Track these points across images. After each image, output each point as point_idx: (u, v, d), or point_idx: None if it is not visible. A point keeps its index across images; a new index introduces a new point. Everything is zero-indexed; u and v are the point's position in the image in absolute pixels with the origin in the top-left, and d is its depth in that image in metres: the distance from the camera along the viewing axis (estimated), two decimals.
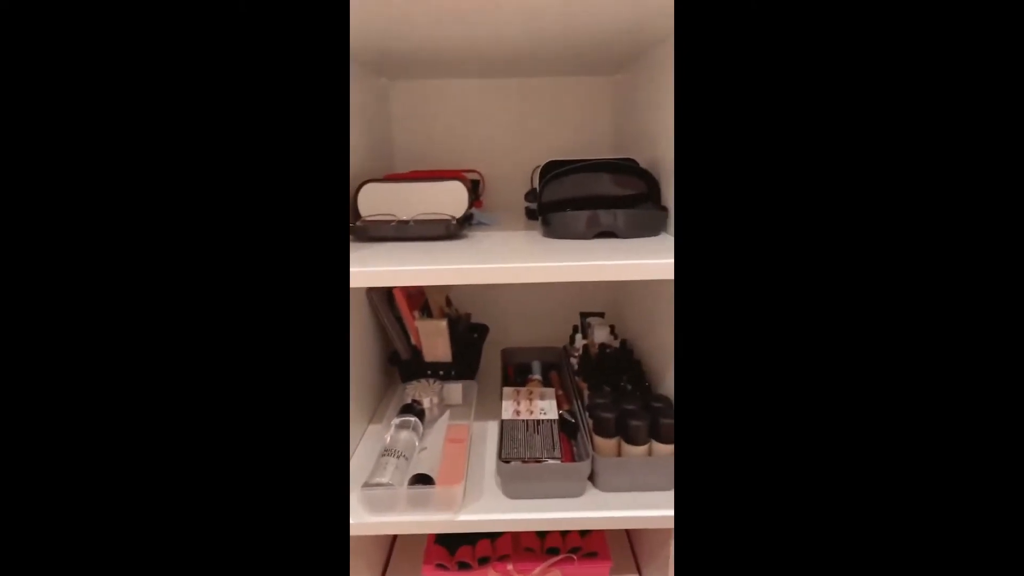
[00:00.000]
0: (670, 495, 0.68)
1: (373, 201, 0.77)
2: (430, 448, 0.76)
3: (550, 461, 0.69)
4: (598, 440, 0.71)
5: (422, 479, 0.67)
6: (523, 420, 0.78)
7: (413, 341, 0.97)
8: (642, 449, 0.69)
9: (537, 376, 0.98)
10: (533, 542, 0.88)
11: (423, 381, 0.92)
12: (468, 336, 1.06)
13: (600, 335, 0.99)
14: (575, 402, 0.84)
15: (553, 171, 0.79)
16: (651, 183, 0.78)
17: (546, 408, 0.80)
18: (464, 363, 0.98)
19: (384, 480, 0.66)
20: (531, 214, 0.94)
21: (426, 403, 0.86)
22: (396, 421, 0.78)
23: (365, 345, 0.90)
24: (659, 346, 0.86)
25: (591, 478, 0.70)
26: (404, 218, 0.75)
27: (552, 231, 0.75)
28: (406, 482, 0.68)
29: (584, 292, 1.21)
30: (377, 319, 0.96)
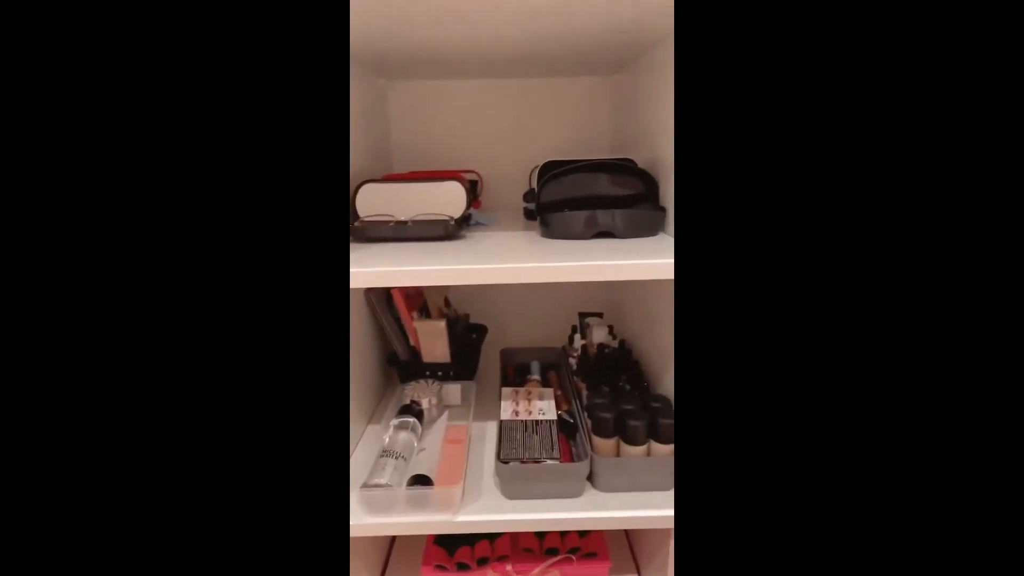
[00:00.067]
0: (669, 495, 0.68)
1: (371, 201, 0.77)
2: (429, 449, 0.75)
3: (549, 461, 0.69)
4: (597, 440, 0.71)
5: (421, 480, 0.67)
6: (522, 420, 0.78)
7: (412, 342, 0.96)
8: (641, 449, 0.69)
9: (536, 376, 0.98)
10: (532, 543, 0.88)
11: (422, 382, 0.92)
12: (467, 336, 1.06)
13: (598, 335, 0.99)
14: (574, 402, 0.84)
15: (551, 171, 0.79)
16: (649, 183, 0.78)
17: (545, 408, 0.80)
18: (463, 364, 0.98)
19: (383, 481, 0.66)
20: (529, 214, 0.94)
21: (425, 404, 0.86)
22: (395, 422, 0.78)
23: (364, 346, 0.90)
24: (657, 346, 0.86)
25: (590, 478, 0.70)
26: (402, 218, 0.75)
27: (550, 231, 0.75)
28: (405, 483, 0.67)
29: (583, 292, 1.21)
30: (375, 320, 0.96)
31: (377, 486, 0.66)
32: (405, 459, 0.72)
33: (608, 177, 0.78)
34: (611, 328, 1.02)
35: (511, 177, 1.13)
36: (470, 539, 0.88)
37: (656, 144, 0.81)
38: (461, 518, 0.66)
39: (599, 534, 0.90)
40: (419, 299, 1.00)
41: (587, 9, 0.60)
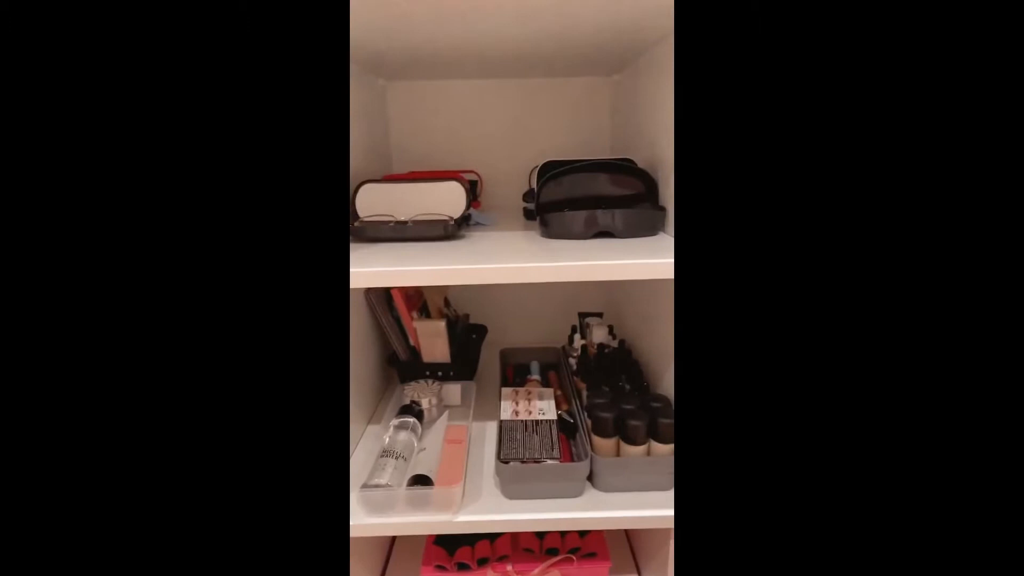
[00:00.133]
0: (669, 495, 0.68)
1: (371, 202, 0.77)
2: (429, 449, 0.75)
3: (549, 461, 0.69)
4: (597, 440, 0.71)
5: (421, 480, 0.67)
6: (522, 420, 0.78)
7: (412, 342, 0.96)
8: (641, 449, 0.69)
9: (536, 376, 0.98)
10: (532, 543, 0.88)
11: (422, 382, 0.92)
12: (466, 337, 1.06)
13: (598, 335, 0.99)
14: (574, 402, 0.84)
15: (551, 171, 0.79)
16: (649, 183, 0.78)
17: (545, 408, 0.80)
18: (463, 364, 0.98)
19: (383, 481, 0.66)
20: (529, 214, 0.94)
21: (425, 404, 0.86)
22: (395, 422, 0.78)
23: (363, 346, 0.90)
24: (657, 346, 0.86)
25: (590, 478, 0.70)
26: (402, 219, 0.75)
27: (550, 231, 0.75)
28: (405, 483, 0.67)
29: (582, 292, 1.21)
30: (375, 320, 0.96)
31: (377, 486, 0.66)
32: (405, 459, 0.72)
33: (608, 177, 0.78)
34: (611, 328, 1.02)
35: (511, 177, 1.13)
36: (470, 539, 0.88)
37: (656, 144, 0.81)
38: (461, 518, 0.66)
39: (599, 534, 0.90)
40: (419, 299, 1.00)
41: (587, 8, 0.60)
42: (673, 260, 0.59)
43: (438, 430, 0.81)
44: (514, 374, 1.02)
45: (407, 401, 0.85)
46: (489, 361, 1.10)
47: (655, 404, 0.72)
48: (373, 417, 0.92)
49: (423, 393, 0.88)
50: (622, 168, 0.79)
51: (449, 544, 0.88)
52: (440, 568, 0.84)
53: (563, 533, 0.89)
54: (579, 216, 0.72)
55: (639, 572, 0.90)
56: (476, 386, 0.95)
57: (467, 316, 1.17)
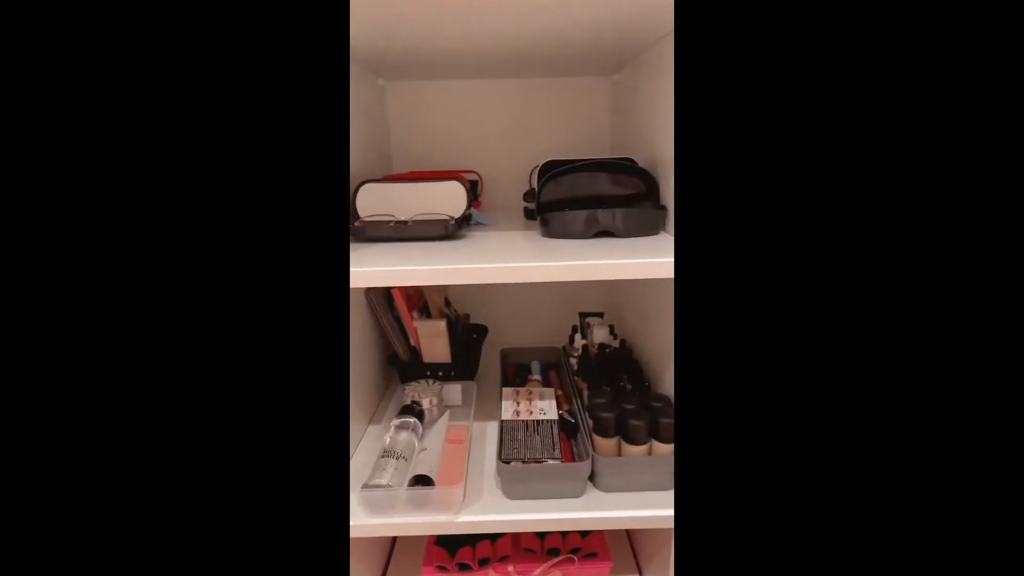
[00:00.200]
0: (670, 495, 0.68)
1: (371, 201, 0.77)
2: (430, 449, 0.75)
3: (550, 461, 0.69)
4: (598, 440, 0.71)
5: (422, 480, 0.67)
6: (523, 420, 0.77)
7: (412, 342, 0.96)
8: (642, 449, 0.69)
9: (536, 376, 0.98)
10: (533, 543, 0.88)
11: (422, 382, 0.92)
12: (467, 336, 1.06)
13: (599, 335, 0.99)
14: (575, 402, 0.84)
15: (551, 171, 0.79)
16: (649, 182, 0.78)
17: (546, 408, 0.80)
18: (463, 364, 0.98)
19: (383, 481, 0.66)
20: (529, 214, 0.94)
21: (425, 404, 0.86)
22: (395, 422, 0.78)
23: (364, 346, 0.89)
24: (658, 345, 0.86)
25: (591, 478, 0.70)
26: (402, 218, 0.74)
27: (551, 231, 0.75)
28: (406, 483, 0.67)
29: (583, 292, 1.21)
30: (376, 320, 0.96)
31: (378, 486, 0.66)
32: (406, 459, 0.71)
33: (608, 176, 0.78)
34: (612, 328, 1.02)
35: (511, 177, 1.13)
36: (471, 539, 0.88)
37: (656, 143, 0.81)
38: (462, 518, 0.66)
39: (600, 534, 0.90)
40: (419, 299, 1.00)
41: (586, 8, 0.60)
42: (673, 260, 0.59)
43: (439, 430, 0.81)
44: (515, 374, 1.02)
45: (408, 401, 0.85)
46: (490, 361, 1.10)
47: (656, 404, 0.72)
48: (374, 417, 0.92)
49: (424, 393, 0.88)
50: (622, 167, 0.78)
51: (450, 544, 0.88)
52: (441, 568, 0.84)
53: (564, 533, 0.89)
54: (580, 216, 0.72)
55: (640, 572, 0.90)
56: (477, 386, 0.95)
57: (468, 316, 1.17)
